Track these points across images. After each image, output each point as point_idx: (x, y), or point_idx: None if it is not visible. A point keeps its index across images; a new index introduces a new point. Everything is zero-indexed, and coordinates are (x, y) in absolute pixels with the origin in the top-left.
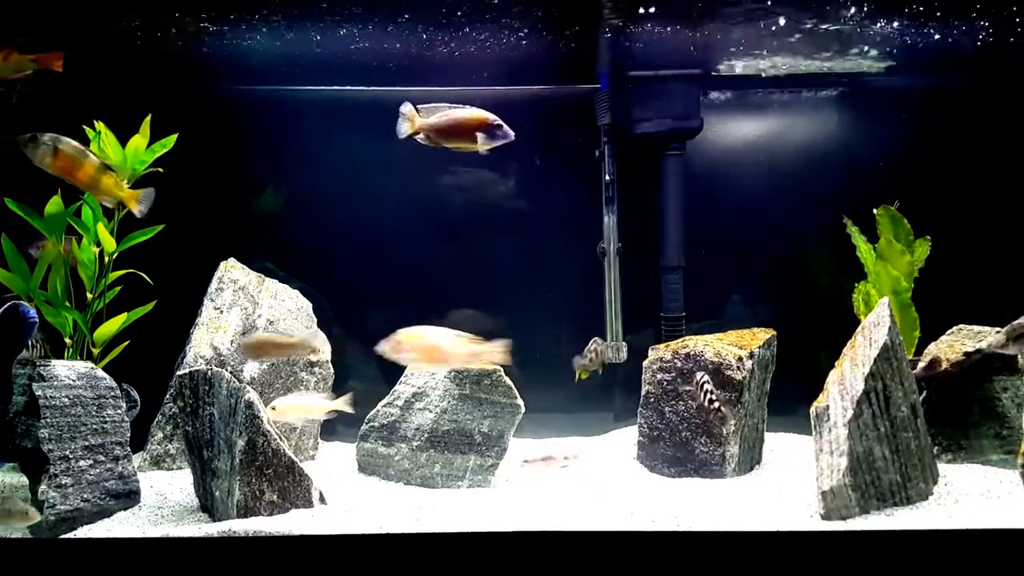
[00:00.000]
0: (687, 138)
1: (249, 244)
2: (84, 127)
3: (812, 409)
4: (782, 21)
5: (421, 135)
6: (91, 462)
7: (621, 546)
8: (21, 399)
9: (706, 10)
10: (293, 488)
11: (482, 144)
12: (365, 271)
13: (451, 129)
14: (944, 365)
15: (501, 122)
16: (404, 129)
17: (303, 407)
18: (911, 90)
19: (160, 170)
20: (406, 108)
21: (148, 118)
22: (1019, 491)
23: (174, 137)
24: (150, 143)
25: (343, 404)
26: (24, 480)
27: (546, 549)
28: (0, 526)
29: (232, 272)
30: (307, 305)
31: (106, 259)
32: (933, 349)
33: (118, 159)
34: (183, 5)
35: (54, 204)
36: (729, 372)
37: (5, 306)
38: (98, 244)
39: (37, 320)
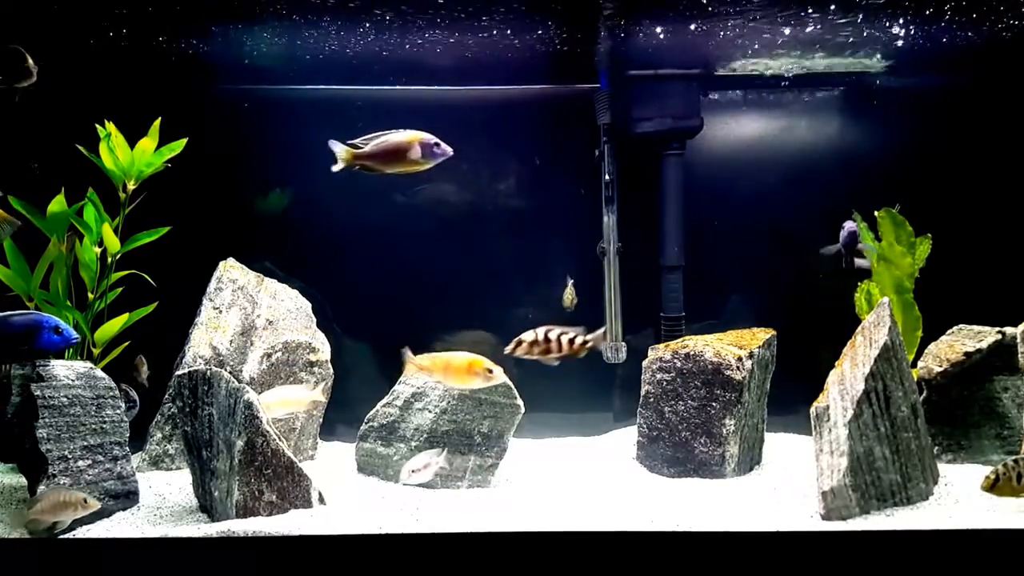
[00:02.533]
0: (687, 138)
1: (249, 244)
2: (97, 126)
3: (812, 409)
4: (782, 20)
5: (357, 166)
6: (90, 462)
7: (621, 546)
8: (19, 399)
9: (706, 9)
10: (292, 488)
11: (419, 163)
12: (365, 271)
13: (385, 154)
14: (944, 365)
15: (437, 140)
16: (339, 165)
17: (286, 400)
18: (911, 90)
19: (169, 166)
20: (335, 146)
21: (158, 121)
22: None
23: (183, 141)
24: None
25: (319, 394)
26: (23, 480)
27: (546, 549)
28: (58, 517)
29: (231, 272)
30: (306, 305)
31: (108, 259)
32: (933, 349)
33: (126, 160)
34: (186, 6)
35: (57, 203)
36: (729, 372)
37: (26, 320)
38: (100, 244)
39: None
